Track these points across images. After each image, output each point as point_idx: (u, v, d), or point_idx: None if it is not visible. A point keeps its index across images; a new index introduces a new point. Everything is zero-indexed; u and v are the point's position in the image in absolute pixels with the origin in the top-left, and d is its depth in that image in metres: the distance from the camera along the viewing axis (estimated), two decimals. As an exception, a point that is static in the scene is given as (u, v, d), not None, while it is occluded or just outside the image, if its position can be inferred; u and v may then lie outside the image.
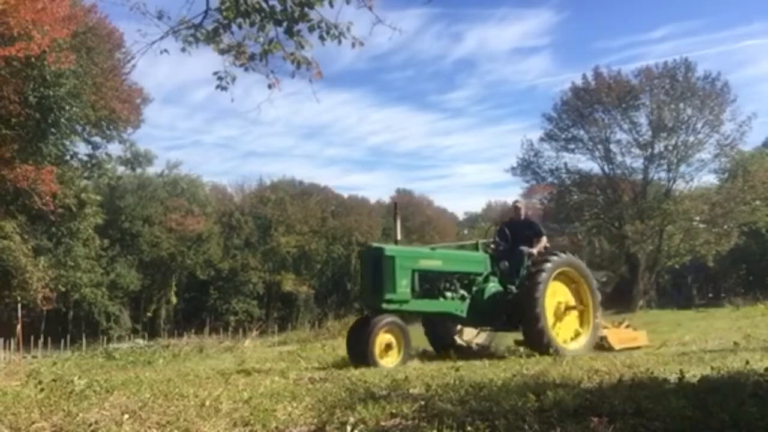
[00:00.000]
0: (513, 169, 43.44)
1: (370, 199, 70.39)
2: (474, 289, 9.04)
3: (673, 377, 4.71)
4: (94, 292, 42.41)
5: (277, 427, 3.65)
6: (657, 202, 38.84)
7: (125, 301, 49.52)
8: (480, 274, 9.14)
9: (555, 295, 9.23)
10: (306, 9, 5.22)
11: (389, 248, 8.17)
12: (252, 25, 5.35)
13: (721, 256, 41.30)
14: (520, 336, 9.22)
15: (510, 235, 9.65)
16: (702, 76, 38.14)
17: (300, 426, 3.68)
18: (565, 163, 42.31)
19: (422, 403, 4.02)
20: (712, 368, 5.14)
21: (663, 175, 40.31)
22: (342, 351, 10.04)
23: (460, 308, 8.76)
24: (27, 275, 27.13)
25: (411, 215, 65.77)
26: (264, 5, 5.25)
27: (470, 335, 10.00)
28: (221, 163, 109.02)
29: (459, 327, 9.82)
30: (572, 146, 41.78)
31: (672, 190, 39.89)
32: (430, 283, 8.62)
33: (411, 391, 4.78)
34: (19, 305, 23.88)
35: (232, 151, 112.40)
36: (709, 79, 38.03)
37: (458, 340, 9.75)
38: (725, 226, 38.46)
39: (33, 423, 3.85)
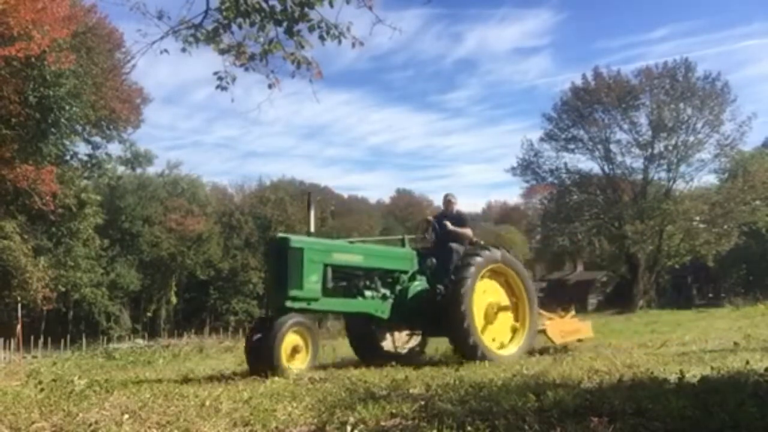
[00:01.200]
0: (513, 169, 43.52)
1: (370, 199, 70.45)
2: (398, 288, 8.21)
3: (673, 377, 4.70)
4: (94, 292, 42.42)
5: (277, 427, 3.65)
6: (657, 202, 38.85)
7: (125, 301, 49.53)
8: (405, 272, 8.31)
9: (486, 294, 8.39)
10: (306, 9, 5.22)
11: (296, 239, 7.20)
12: (252, 25, 5.35)
13: (721, 256, 41.32)
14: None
15: (439, 230, 8.75)
16: (702, 76, 38.24)
17: (300, 426, 3.68)
18: (565, 163, 42.39)
19: (422, 403, 4.02)
20: (712, 368, 5.14)
21: (663, 175, 40.41)
22: (342, 351, 10.05)
23: (381, 309, 7.87)
24: (27, 275, 27.14)
25: (411, 215, 65.73)
26: (264, 5, 5.25)
27: (401, 341, 8.99)
28: (221, 163, 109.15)
29: (389, 332, 8.83)
30: (572, 146, 41.84)
31: (672, 190, 39.92)
32: (347, 281, 7.74)
33: (411, 391, 4.78)
34: (19, 305, 23.90)
35: (232, 151, 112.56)
36: (709, 79, 38.11)
37: (386, 346, 8.75)
38: (725, 226, 38.48)
39: (33, 423, 3.85)
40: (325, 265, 7.26)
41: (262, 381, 5.85)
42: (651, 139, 39.41)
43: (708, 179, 42.00)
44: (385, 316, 7.89)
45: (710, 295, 51.05)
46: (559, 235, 44.25)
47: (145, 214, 51.30)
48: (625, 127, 40.20)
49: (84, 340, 31.50)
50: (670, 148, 39.01)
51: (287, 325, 6.66)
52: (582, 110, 40.59)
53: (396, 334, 8.87)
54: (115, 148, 38.92)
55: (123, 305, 48.90)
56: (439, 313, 7.91)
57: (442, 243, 8.62)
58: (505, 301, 8.69)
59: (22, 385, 6.50)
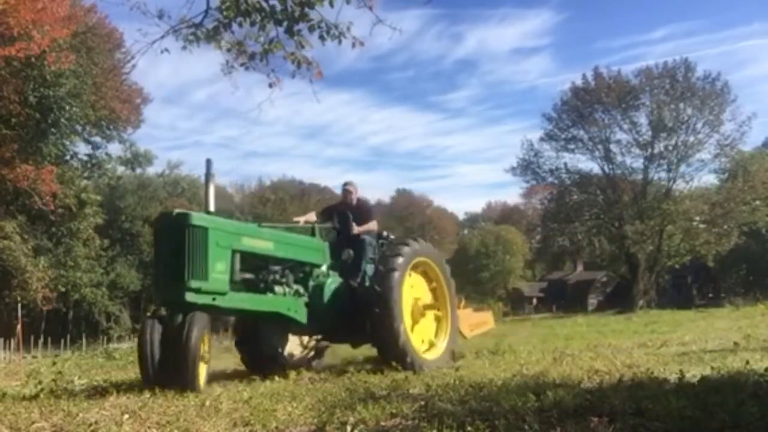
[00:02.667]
0: (513, 169, 43.53)
1: (370, 200, 70.32)
2: (312, 284, 6.89)
3: (673, 377, 4.70)
4: (94, 292, 42.39)
5: (277, 427, 3.65)
6: (657, 202, 38.85)
7: (125, 301, 49.49)
8: (319, 266, 7.03)
9: (412, 290, 7.37)
10: (306, 9, 5.23)
11: (199, 216, 5.66)
12: (252, 24, 5.35)
13: (721, 256, 41.31)
14: (364, 348, 7.50)
15: (339, 223, 7.64)
16: (702, 76, 38.23)
17: (300, 426, 3.68)
18: (565, 163, 42.41)
19: (422, 403, 4.02)
20: (712, 368, 5.14)
21: (663, 175, 40.41)
22: (342, 351, 10.03)
23: (296, 308, 6.52)
24: (27, 275, 27.13)
25: (411, 215, 65.75)
26: (264, 5, 5.25)
27: (294, 346, 7.75)
28: (222, 163, 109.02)
29: (287, 337, 7.52)
30: (572, 146, 41.86)
31: (672, 190, 39.92)
32: (254, 272, 6.31)
33: (411, 391, 4.78)
34: (19, 305, 23.91)
35: (232, 151, 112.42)
36: (709, 79, 38.12)
37: (281, 354, 7.40)
38: (725, 226, 38.48)
39: (33, 423, 3.85)
40: (233, 251, 5.91)
41: (261, 381, 5.86)
42: (651, 139, 39.42)
43: (708, 179, 42.06)
44: (302, 318, 6.57)
45: (710, 295, 51.00)
46: (559, 235, 44.28)
47: (145, 214, 51.24)
48: (625, 127, 40.24)
49: (84, 340, 31.47)
50: (670, 148, 39.03)
51: (201, 328, 5.25)
52: (582, 110, 40.59)
53: (291, 338, 7.62)
54: (115, 148, 38.92)
55: (123, 305, 48.87)
56: (361, 313, 6.76)
57: (347, 236, 7.48)
58: (429, 297, 7.78)
59: (22, 385, 6.51)
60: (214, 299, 5.59)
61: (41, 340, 28.52)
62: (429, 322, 7.64)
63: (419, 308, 7.41)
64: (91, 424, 3.70)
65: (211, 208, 5.90)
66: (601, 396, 3.89)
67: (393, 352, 6.58)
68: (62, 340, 30.15)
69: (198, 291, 5.43)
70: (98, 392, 5.44)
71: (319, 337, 7.64)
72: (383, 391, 4.70)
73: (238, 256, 5.98)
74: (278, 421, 3.75)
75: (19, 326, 21.25)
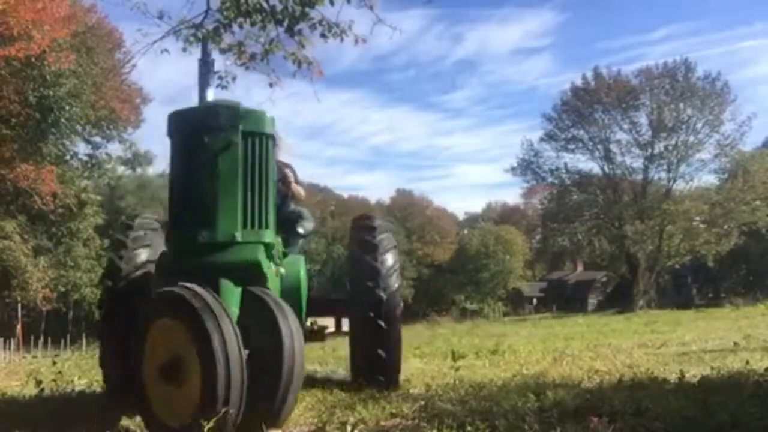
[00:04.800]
0: (513, 169, 43.56)
1: (370, 199, 70.34)
2: None
3: (673, 377, 4.70)
4: (94, 292, 42.32)
5: (277, 427, 3.65)
6: (657, 202, 38.85)
7: (125, 301, 49.55)
8: None
9: None
10: (307, 8, 5.23)
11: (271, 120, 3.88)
12: (253, 24, 5.36)
13: (721, 256, 41.31)
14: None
15: None
16: (702, 76, 38.25)
17: (300, 426, 3.67)
18: (565, 163, 42.42)
19: (422, 403, 4.02)
20: (712, 368, 5.14)
21: (663, 175, 40.43)
22: (343, 351, 10.03)
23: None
24: (27, 275, 27.14)
25: (411, 215, 65.72)
26: (265, 5, 5.26)
27: None
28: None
29: None
30: (572, 146, 41.87)
31: (672, 190, 39.93)
32: None
33: (411, 391, 4.78)
34: (19, 305, 23.92)
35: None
36: (709, 79, 38.13)
37: None
38: (725, 226, 38.49)
39: (33, 423, 3.84)
40: None
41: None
42: (651, 139, 39.44)
43: (708, 179, 42.03)
44: None
45: (710, 295, 51.00)
46: (559, 235, 44.27)
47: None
48: (625, 127, 40.25)
49: (84, 340, 31.47)
50: (670, 148, 39.03)
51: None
52: (582, 110, 40.60)
53: None
54: (115, 148, 38.92)
55: (123, 305, 48.93)
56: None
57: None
58: None
59: (22, 385, 6.50)
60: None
61: (41, 340, 28.52)
62: None
63: None
64: (91, 424, 3.70)
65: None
66: (601, 396, 3.89)
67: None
68: (62, 340, 30.14)
69: (269, 248, 3.67)
70: (98, 392, 5.44)
71: None
72: (383, 391, 4.70)
73: None
74: (278, 421, 3.75)
75: (19, 326, 21.28)
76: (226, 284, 3.30)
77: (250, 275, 3.44)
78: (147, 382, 3.08)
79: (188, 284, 3.06)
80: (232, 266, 3.41)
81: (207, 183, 3.43)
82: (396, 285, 4.90)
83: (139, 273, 4.43)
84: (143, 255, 4.56)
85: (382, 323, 4.67)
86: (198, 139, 3.48)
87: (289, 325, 3.15)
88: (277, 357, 3.07)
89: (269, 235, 3.61)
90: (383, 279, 4.82)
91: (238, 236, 3.42)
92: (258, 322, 3.20)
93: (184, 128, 3.68)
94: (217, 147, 3.45)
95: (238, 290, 3.37)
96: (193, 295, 2.97)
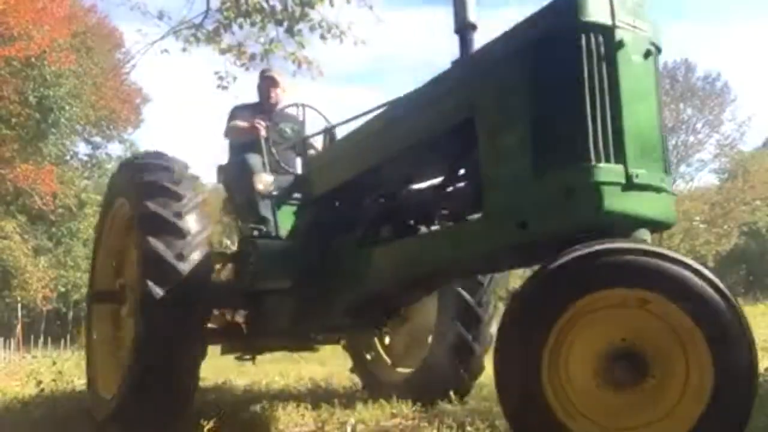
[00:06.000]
0: (513, 169, 43.52)
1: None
2: None
3: (673, 377, 4.69)
4: (94, 292, 42.48)
5: (276, 427, 3.65)
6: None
7: (125, 301, 49.57)
8: None
9: None
10: (306, 9, 5.24)
11: None
12: (253, 24, 5.37)
13: (721, 256, 41.30)
14: None
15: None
16: (702, 76, 38.27)
17: (300, 426, 3.68)
18: (566, 163, 42.38)
19: (422, 403, 4.02)
20: (712, 368, 5.13)
21: (663, 175, 40.39)
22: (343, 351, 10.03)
23: None
24: (27, 275, 27.17)
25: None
26: (265, 5, 5.27)
27: None
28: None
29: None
30: (572, 146, 41.85)
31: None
32: None
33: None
34: (19, 305, 23.91)
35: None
36: (709, 80, 38.14)
37: None
38: (725, 226, 38.48)
39: (33, 423, 3.85)
40: None
41: (262, 381, 5.85)
42: (651, 139, 39.46)
43: (708, 179, 42.04)
44: None
45: (710, 295, 50.85)
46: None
47: (145, 214, 51.34)
48: (626, 127, 40.25)
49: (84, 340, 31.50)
50: (670, 148, 39.05)
51: None
52: (582, 110, 40.63)
53: None
54: (115, 148, 38.96)
55: (123, 305, 48.96)
56: None
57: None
58: None
59: (22, 385, 6.50)
60: None
61: (41, 340, 28.52)
62: None
63: None
64: (91, 424, 3.70)
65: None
66: (601, 396, 3.89)
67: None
68: (62, 340, 30.13)
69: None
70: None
71: None
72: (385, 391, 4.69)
73: None
74: (278, 421, 3.75)
75: (19, 326, 21.26)
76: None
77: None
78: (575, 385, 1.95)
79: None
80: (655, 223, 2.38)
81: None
82: None
83: None
84: None
85: None
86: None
87: None
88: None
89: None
90: None
91: (666, 182, 2.41)
92: None
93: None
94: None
95: None
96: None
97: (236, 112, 4.54)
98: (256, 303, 3.62)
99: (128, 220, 3.67)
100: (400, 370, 4.46)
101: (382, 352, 4.65)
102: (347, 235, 3.30)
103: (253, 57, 5.64)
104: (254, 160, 4.06)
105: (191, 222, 3.29)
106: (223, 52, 5.57)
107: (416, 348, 4.29)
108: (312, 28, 5.32)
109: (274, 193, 3.75)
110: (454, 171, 2.89)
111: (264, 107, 4.60)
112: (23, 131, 25.98)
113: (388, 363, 4.60)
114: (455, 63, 2.70)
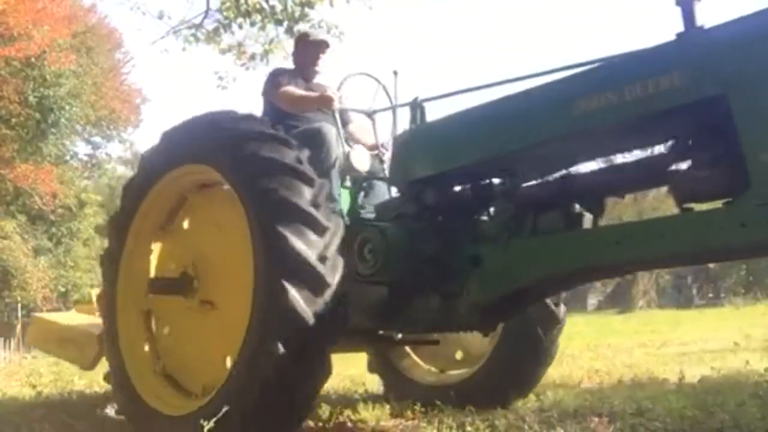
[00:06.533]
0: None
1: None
2: None
3: (673, 377, 4.70)
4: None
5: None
6: (657, 202, 38.84)
7: (125, 301, 49.53)
8: None
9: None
10: (306, 9, 5.24)
11: None
12: (253, 24, 5.37)
13: (721, 256, 41.29)
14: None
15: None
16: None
17: (299, 426, 3.67)
18: (565, 163, 42.40)
19: (422, 403, 4.02)
20: (712, 368, 5.14)
21: (663, 175, 40.37)
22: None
23: None
24: (27, 275, 27.17)
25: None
26: (265, 5, 5.27)
27: None
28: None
29: None
30: (572, 146, 41.86)
31: (672, 190, 39.91)
32: None
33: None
34: (19, 305, 23.91)
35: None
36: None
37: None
38: (725, 226, 38.48)
39: (32, 423, 3.84)
40: None
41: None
42: (651, 139, 39.48)
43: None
44: None
45: (710, 295, 50.96)
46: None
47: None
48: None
49: (84, 340, 31.50)
50: (670, 148, 39.09)
51: None
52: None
53: None
54: (115, 148, 39.01)
55: (123, 305, 48.92)
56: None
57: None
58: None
59: (22, 385, 6.50)
60: None
61: (41, 340, 28.53)
62: None
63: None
64: (92, 424, 3.70)
65: None
66: (601, 396, 3.89)
67: None
68: (62, 340, 30.15)
69: None
70: (98, 392, 5.44)
71: None
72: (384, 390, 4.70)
73: None
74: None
75: (19, 326, 21.26)
76: None
77: None
78: None
79: None
80: None
81: None
82: None
83: None
84: None
85: None
86: None
87: None
88: None
89: None
90: None
91: None
92: None
93: None
94: None
95: None
96: None
97: (280, 78, 3.92)
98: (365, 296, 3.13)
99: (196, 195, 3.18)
100: (452, 372, 4.25)
101: (413, 355, 4.39)
102: (482, 223, 3.02)
103: (253, 57, 5.63)
104: (333, 132, 3.53)
105: (327, 215, 2.68)
106: (223, 52, 5.57)
107: (463, 351, 4.13)
108: (312, 29, 5.32)
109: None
110: (676, 151, 2.53)
111: (304, 74, 4.04)
112: (23, 131, 25.98)
113: (424, 366, 4.36)
114: (681, 36, 2.40)
